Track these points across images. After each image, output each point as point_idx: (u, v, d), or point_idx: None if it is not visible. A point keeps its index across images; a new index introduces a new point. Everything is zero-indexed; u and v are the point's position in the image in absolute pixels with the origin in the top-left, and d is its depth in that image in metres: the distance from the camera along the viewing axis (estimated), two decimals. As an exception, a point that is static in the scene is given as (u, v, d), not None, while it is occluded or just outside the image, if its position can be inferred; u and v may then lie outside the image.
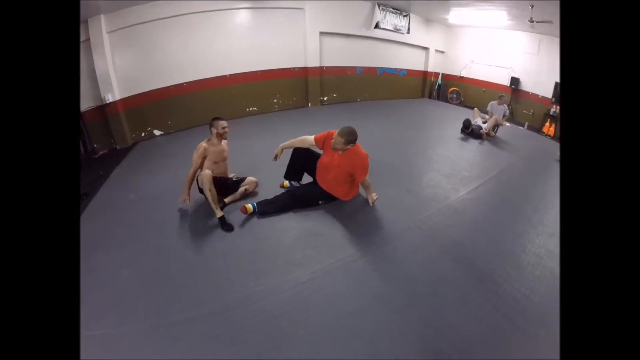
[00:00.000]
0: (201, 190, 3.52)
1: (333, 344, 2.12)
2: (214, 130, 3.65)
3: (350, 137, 3.35)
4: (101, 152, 6.89)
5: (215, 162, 3.68)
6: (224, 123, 3.67)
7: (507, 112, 6.98)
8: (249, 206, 3.46)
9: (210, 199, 3.34)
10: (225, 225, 3.30)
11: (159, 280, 2.79)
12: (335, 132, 3.39)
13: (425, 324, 2.26)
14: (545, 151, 6.37)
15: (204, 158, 3.62)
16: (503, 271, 2.75)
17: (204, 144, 3.60)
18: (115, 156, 6.42)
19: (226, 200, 3.72)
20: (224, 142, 3.78)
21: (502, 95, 7.09)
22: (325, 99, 9.42)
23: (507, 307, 2.39)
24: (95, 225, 3.78)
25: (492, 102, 7.13)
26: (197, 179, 3.55)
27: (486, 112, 7.04)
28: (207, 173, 3.36)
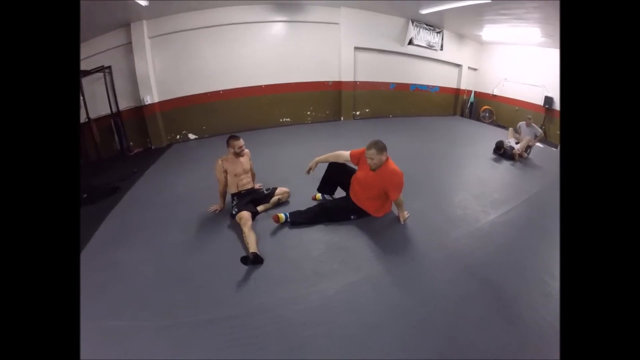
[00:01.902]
0: (233, 216, 3.59)
1: (353, 357, 2.12)
2: (231, 150, 3.72)
3: (378, 144, 3.31)
4: (136, 150, 7.19)
5: (236, 175, 3.76)
6: (240, 143, 3.71)
7: (540, 132, 6.82)
8: (281, 215, 3.51)
9: (245, 239, 3.17)
10: (243, 259, 2.90)
11: (179, 279, 2.88)
12: None
13: (446, 343, 2.23)
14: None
15: (226, 172, 3.72)
16: (529, 297, 2.68)
17: (219, 160, 3.70)
18: (150, 155, 6.71)
19: (259, 209, 3.79)
20: (242, 156, 3.84)
21: (530, 117, 6.93)
22: (357, 113, 9.49)
23: (531, 334, 2.33)
24: (125, 219, 4.00)
25: (520, 122, 7.00)
26: (233, 215, 3.57)
27: (519, 131, 6.91)
28: (244, 216, 3.36)
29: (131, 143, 7.23)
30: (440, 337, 2.28)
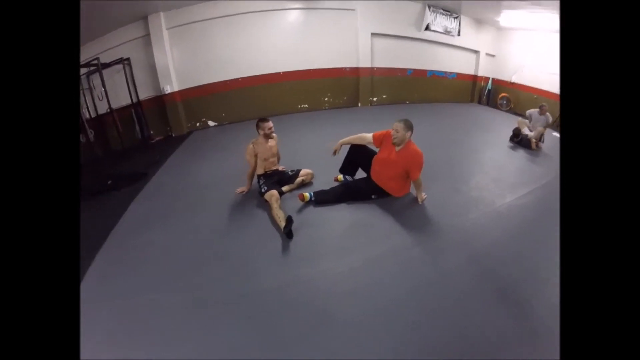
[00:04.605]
0: (262, 194, 3.71)
1: (372, 333, 2.17)
2: (261, 132, 3.82)
3: (407, 121, 3.48)
4: (157, 139, 7.33)
5: (266, 159, 3.88)
6: (269, 124, 3.81)
7: (550, 120, 6.62)
8: (306, 194, 3.66)
9: (275, 216, 3.33)
10: (288, 233, 3.11)
11: (214, 257, 3.00)
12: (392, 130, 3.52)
13: (456, 323, 2.25)
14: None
15: (256, 156, 3.83)
16: (539, 283, 2.63)
17: (250, 145, 3.81)
18: (171, 143, 6.83)
19: (284, 189, 3.90)
20: (271, 140, 3.94)
21: (543, 105, 6.72)
22: (374, 99, 9.45)
23: (536, 322, 2.26)
24: (152, 204, 4.13)
25: (531, 110, 6.81)
26: (262, 193, 3.70)
27: (529, 119, 6.72)
28: (274, 194, 3.51)
29: (152, 131, 7.37)
30: (452, 318, 2.30)
